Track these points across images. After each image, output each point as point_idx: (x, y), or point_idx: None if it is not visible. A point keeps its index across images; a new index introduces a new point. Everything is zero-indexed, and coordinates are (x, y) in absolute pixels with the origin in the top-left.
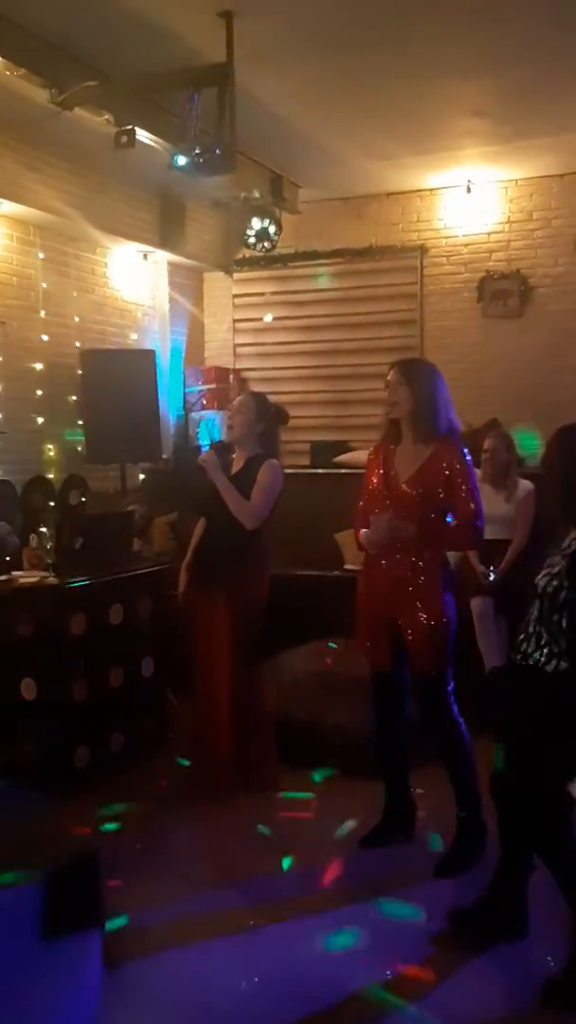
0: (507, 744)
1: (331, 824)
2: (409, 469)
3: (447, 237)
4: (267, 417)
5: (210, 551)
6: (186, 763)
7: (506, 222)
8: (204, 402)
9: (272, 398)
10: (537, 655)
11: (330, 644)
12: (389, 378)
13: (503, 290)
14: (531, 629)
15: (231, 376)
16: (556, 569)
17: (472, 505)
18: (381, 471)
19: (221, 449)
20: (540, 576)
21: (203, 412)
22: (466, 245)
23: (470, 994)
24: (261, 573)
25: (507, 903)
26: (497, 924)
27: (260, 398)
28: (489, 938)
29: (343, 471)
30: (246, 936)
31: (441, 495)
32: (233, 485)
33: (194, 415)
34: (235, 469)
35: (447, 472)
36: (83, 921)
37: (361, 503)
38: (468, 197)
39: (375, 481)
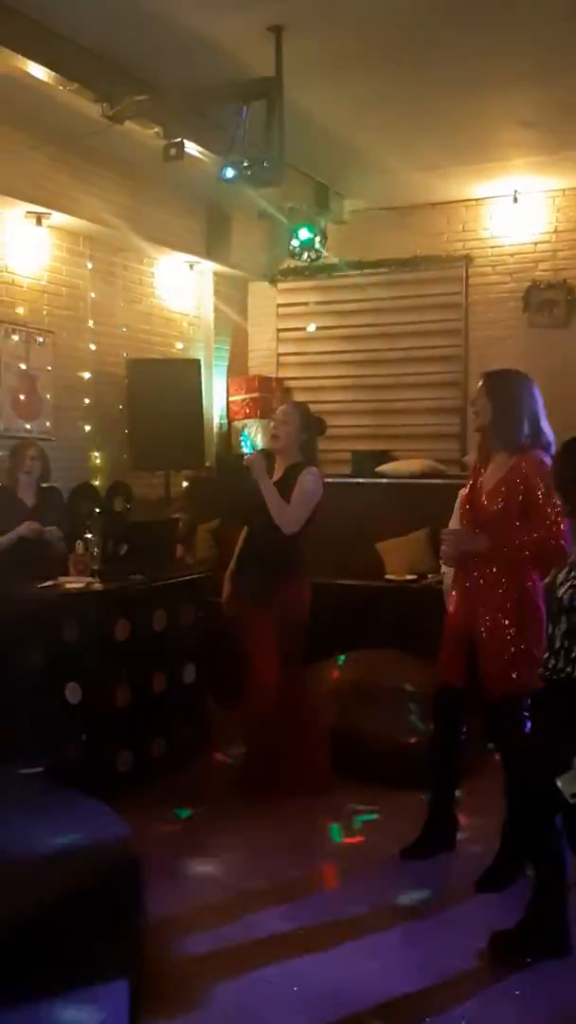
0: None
1: (365, 836)
2: (492, 481)
3: (493, 247)
4: (310, 427)
5: (249, 559)
6: (233, 763)
7: (553, 232)
8: (247, 411)
9: (315, 407)
10: (569, 668)
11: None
12: (477, 388)
13: (549, 300)
14: (558, 644)
15: (274, 385)
16: None
17: (549, 521)
18: (471, 482)
19: (263, 456)
20: (562, 590)
21: (246, 421)
22: (512, 255)
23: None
24: (300, 580)
25: (551, 920)
26: (541, 941)
27: (303, 408)
28: (534, 955)
29: (385, 480)
30: (293, 962)
31: (520, 509)
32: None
33: (237, 424)
34: (275, 477)
35: (522, 485)
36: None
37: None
38: (515, 207)
39: (464, 492)
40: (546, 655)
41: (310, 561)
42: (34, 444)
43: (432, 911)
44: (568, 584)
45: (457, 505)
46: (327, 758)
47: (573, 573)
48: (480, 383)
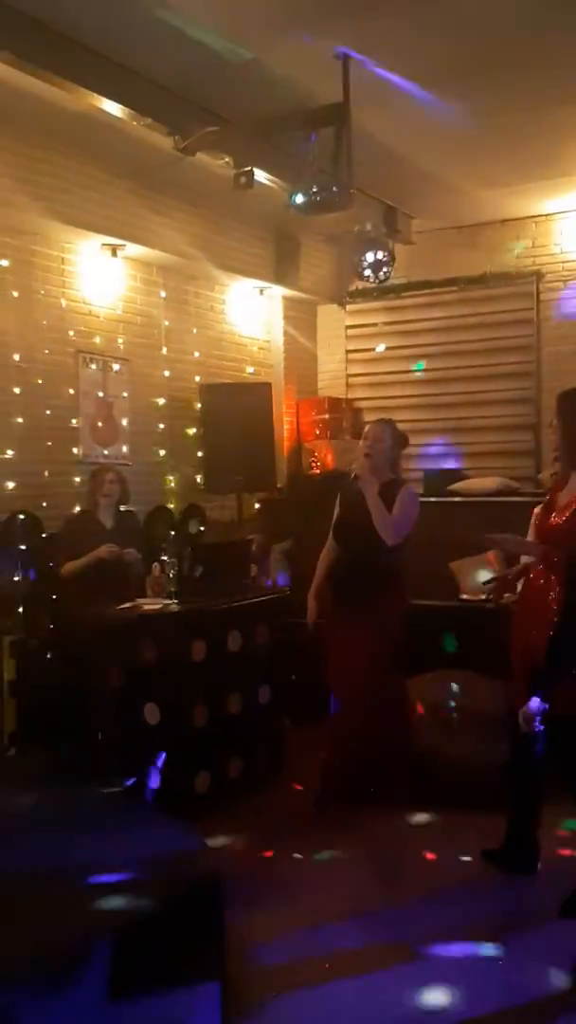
0: None
1: (450, 857)
2: (564, 499)
3: (564, 262)
4: (400, 444)
5: (349, 576)
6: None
7: None
8: (318, 432)
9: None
10: None
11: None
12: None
13: None
14: None
15: (344, 406)
16: None
17: None
18: (547, 500)
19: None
20: None
21: (317, 442)
22: None
23: None
24: (401, 595)
25: None
26: None
27: (392, 424)
28: None
29: (457, 499)
30: (367, 977)
31: None
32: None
33: (308, 445)
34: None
35: None
36: (202, 969)
37: None
38: None
39: (537, 511)
40: None
41: (408, 578)
42: (112, 468)
43: (511, 935)
44: None
45: (532, 522)
46: (412, 772)
47: None
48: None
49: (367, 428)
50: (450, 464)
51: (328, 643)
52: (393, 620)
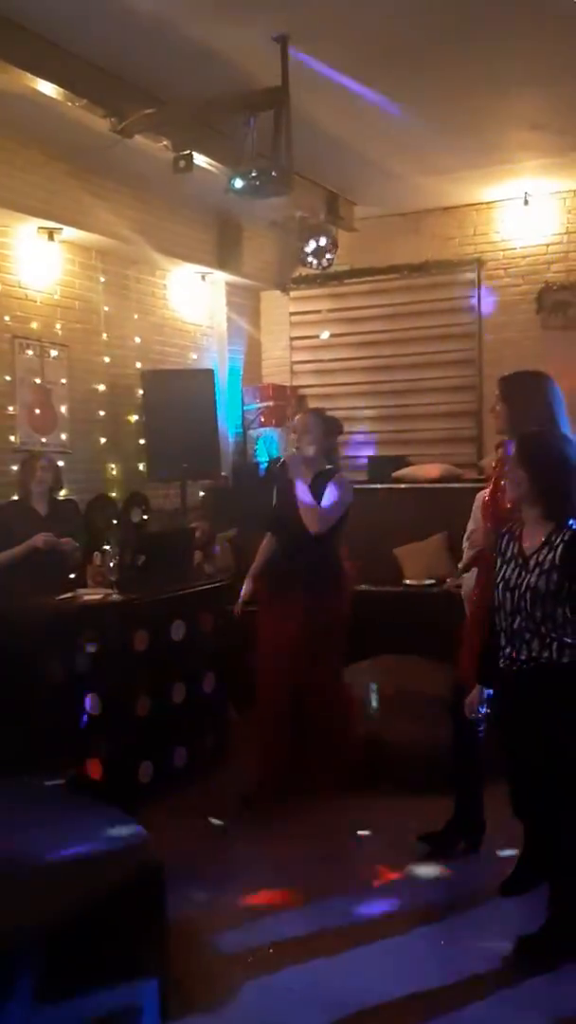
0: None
1: (394, 839)
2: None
3: (504, 249)
4: (331, 432)
5: (281, 565)
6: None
7: (564, 233)
8: (262, 419)
9: (330, 414)
10: (547, 653)
11: None
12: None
13: (563, 301)
14: (526, 635)
15: (289, 393)
16: (547, 565)
17: None
18: (493, 484)
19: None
20: (522, 577)
21: (261, 430)
22: (524, 257)
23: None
24: (341, 586)
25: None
26: (567, 944)
27: (321, 414)
28: (560, 959)
29: (402, 486)
30: (313, 963)
31: None
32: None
33: (252, 433)
34: None
35: None
36: (145, 961)
37: None
38: (525, 209)
39: (486, 494)
40: (507, 648)
41: (346, 569)
42: (44, 455)
43: (454, 914)
44: (535, 571)
45: (475, 507)
46: (348, 760)
47: (531, 560)
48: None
49: (296, 419)
50: (394, 451)
51: (258, 631)
52: (326, 610)
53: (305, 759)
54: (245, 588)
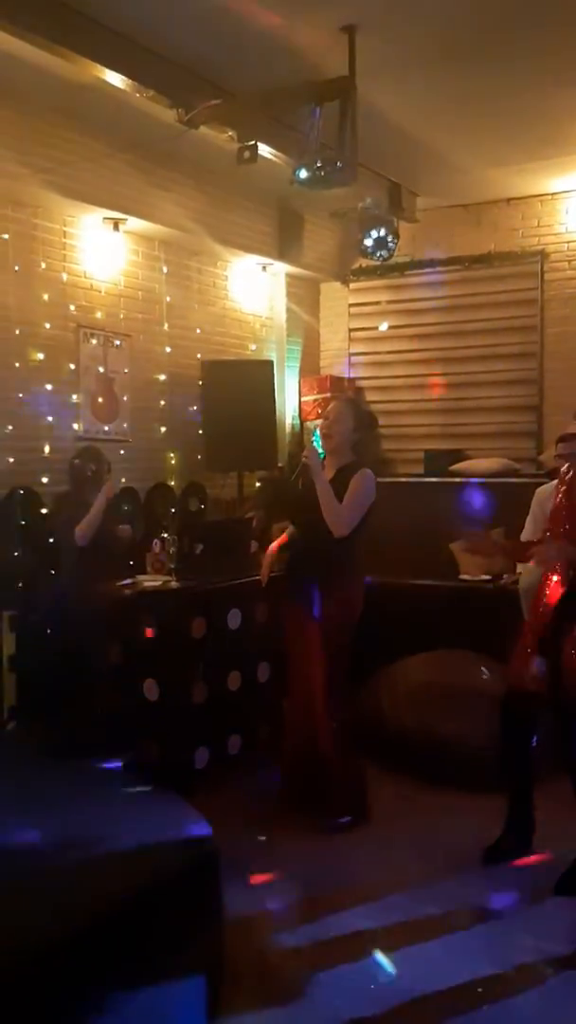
0: None
1: (439, 837)
2: None
3: (569, 241)
4: (362, 425)
5: (298, 564)
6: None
7: None
8: (319, 411)
9: (387, 407)
10: None
11: None
12: None
13: None
14: None
15: (346, 385)
16: None
17: None
18: (568, 484)
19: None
20: None
21: (318, 421)
22: None
23: None
24: (354, 587)
25: None
26: None
27: (355, 405)
28: None
29: (458, 480)
30: (370, 960)
31: None
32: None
33: (309, 424)
34: (327, 477)
35: None
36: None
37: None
38: None
39: (559, 497)
40: None
41: (368, 564)
42: (88, 448)
43: (510, 913)
44: None
45: (534, 503)
46: (362, 787)
47: None
48: None
49: (329, 407)
50: (451, 445)
51: (284, 629)
52: (341, 617)
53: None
54: (266, 560)
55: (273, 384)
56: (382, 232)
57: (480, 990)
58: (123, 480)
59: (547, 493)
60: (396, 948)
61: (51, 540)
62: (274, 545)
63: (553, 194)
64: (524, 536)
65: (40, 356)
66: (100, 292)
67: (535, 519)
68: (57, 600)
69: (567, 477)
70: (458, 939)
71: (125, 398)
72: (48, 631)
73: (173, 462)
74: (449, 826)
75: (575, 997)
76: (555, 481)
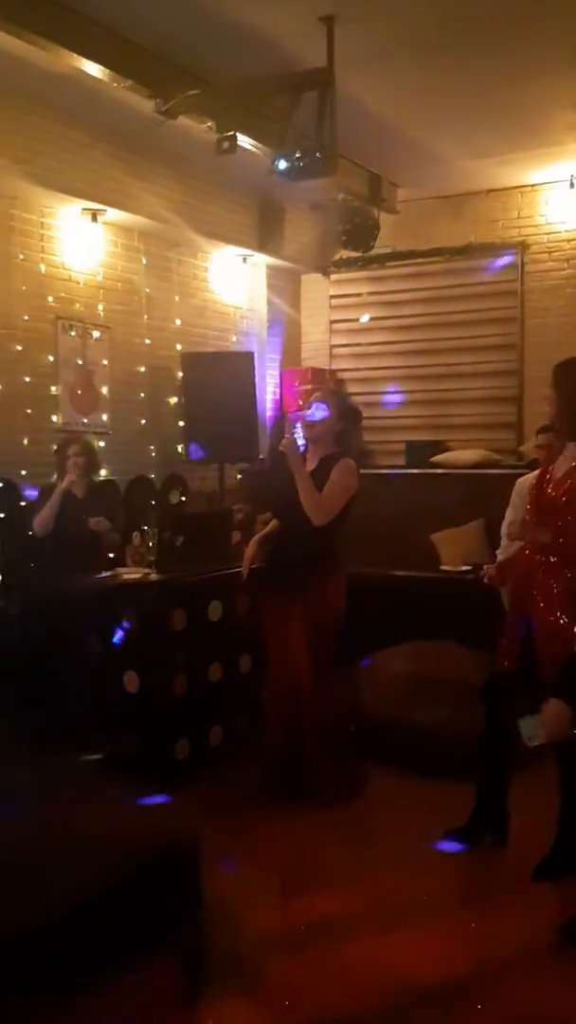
0: None
1: (419, 827)
2: (560, 472)
3: (549, 233)
4: (345, 416)
5: (280, 554)
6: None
7: None
8: (301, 403)
9: (368, 398)
10: None
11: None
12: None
13: None
14: None
15: (327, 376)
16: None
17: None
18: (543, 470)
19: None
20: None
21: (299, 413)
22: (568, 241)
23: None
24: (336, 578)
25: None
26: None
27: (339, 396)
28: None
29: (439, 471)
30: (345, 945)
31: None
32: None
33: (290, 416)
34: (309, 468)
35: None
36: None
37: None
38: (571, 192)
39: (529, 482)
40: None
41: (349, 555)
42: (78, 439)
43: (487, 899)
44: None
45: (514, 494)
46: (357, 761)
47: None
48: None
49: (314, 396)
50: (432, 436)
51: (264, 620)
52: (326, 605)
53: (305, 755)
54: (248, 551)
55: (254, 376)
56: (362, 223)
57: (462, 976)
58: (103, 472)
59: (527, 484)
60: (372, 934)
61: (30, 533)
62: (256, 537)
63: (533, 185)
64: (504, 527)
65: (18, 348)
66: (79, 284)
67: (515, 509)
68: (34, 592)
69: (543, 464)
70: (441, 926)
71: (104, 390)
72: (27, 623)
73: (154, 454)
74: (431, 815)
75: (557, 984)
76: (535, 472)
